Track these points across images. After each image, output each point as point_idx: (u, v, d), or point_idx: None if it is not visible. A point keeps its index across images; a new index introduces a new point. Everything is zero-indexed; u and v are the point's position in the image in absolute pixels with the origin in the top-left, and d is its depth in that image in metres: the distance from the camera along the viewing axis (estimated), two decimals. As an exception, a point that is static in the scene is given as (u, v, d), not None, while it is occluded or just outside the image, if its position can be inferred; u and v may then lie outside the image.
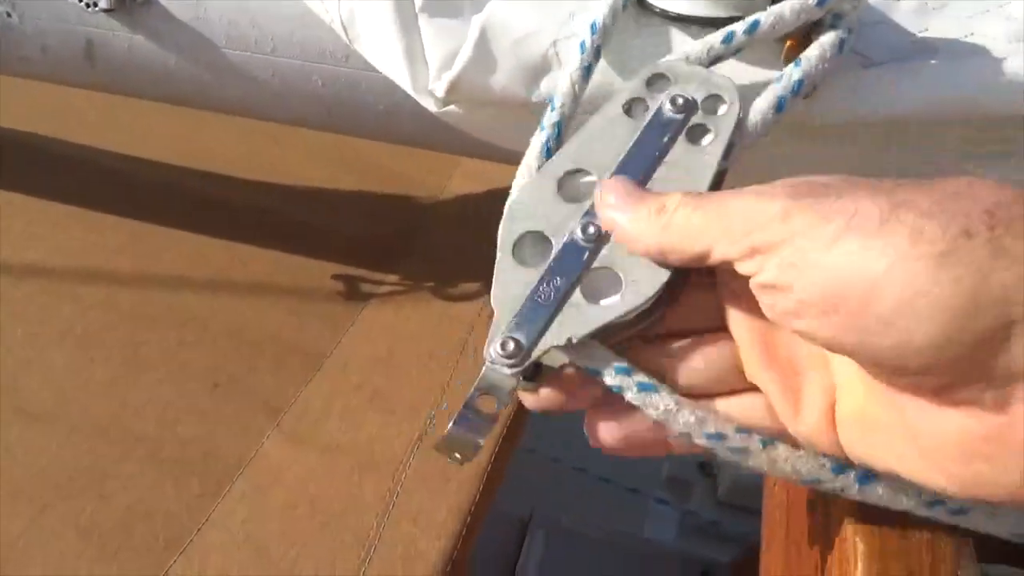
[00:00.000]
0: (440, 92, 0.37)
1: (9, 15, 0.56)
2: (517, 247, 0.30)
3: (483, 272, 0.73)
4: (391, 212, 0.82)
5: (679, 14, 0.35)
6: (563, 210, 0.30)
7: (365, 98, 0.52)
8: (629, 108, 0.32)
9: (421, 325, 0.66)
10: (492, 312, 0.55)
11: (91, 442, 0.57)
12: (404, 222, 0.80)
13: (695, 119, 0.31)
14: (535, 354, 0.28)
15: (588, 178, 0.31)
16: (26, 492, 0.54)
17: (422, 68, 0.38)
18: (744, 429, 0.28)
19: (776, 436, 0.28)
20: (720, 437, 0.28)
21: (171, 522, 0.52)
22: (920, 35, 0.37)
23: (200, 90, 0.57)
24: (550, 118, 0.33)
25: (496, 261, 0.30)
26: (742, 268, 0.25)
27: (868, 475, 0.28)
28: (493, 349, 0.28)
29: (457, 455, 0.29)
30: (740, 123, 0.31)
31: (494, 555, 1.57)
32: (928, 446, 0.24)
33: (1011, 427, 0.22)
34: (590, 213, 0.30)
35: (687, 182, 0.30)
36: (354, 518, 0.51)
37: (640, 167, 0.30)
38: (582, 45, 0.33)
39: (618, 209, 0.28)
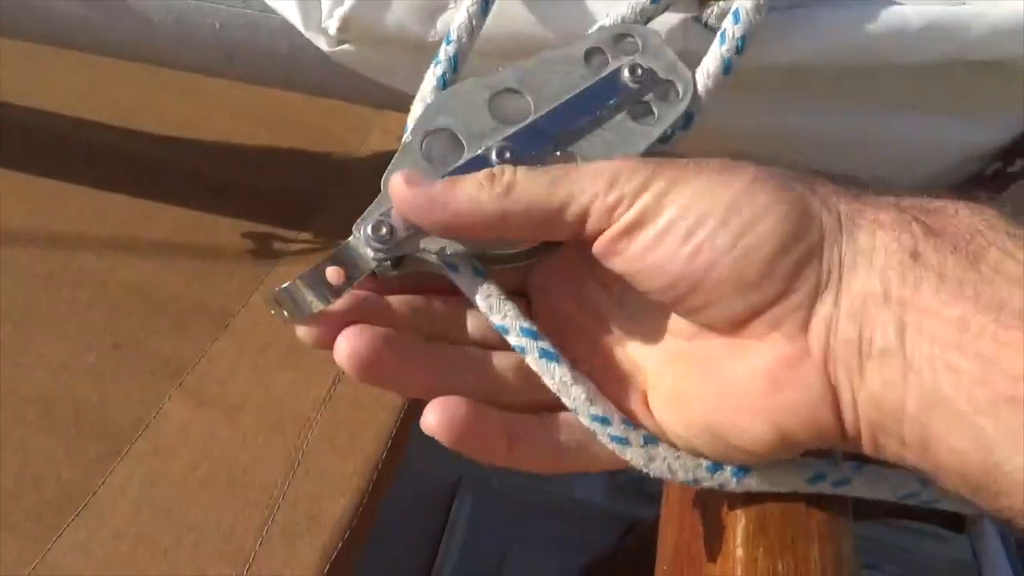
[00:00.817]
0: (332, 29, 0.36)
1: None
2: (428, 139, 0.28)
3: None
4: (305, 168, 0.79)
5: None
6: (486, 122, 0.29)
7: (267, 42, 0.50)
8: (588, 55, 0.31)
9: (333, 282, 0.64)
10: None
11: (-22, 406, 0.54)
12: (318, 178, 0.77)
13: (646, 97, 0.31)
14: (405, 248, 0.27)
15: (522, 101, 0.30)
16: (-95, 459, 0.51)
17: (314, 4, 0.36)
18: (629, 421, 0.28)
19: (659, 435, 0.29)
20: (605, 422, 0.27)
21: (65, 488, 0.50)
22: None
23: (87, 31, 0.54)
24: (446, 51, 0.32)
25: (401, 143, 0.29)
26: (602, 218, 0.26)
27: (743, 469, 0.28)
28: (365, 227, 0.29)
29: (285, 313, 0.28)
30: (685, 117, 0.31)
31: (422, 518, 1.58)
32: (740, 392, 0.26)
33: (809, 344, 0.25)
34: (511, 139, 0.29)
35: (614, 150, 0.29)
36: (259, 476, 0.50)
37: (577, 115, 0.30)
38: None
39: (431, 191, 0.27)
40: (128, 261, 0.65)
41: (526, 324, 0.28)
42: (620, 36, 0.32)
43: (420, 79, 0.39)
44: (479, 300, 0.29)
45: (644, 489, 1.62)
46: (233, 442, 0.52)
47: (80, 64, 0.82)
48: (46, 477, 0.50)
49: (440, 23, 0.35)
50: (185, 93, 0.83)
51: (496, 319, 0.29)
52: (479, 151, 0.29)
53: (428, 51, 0.36)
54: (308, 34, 0.36)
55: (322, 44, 0.37)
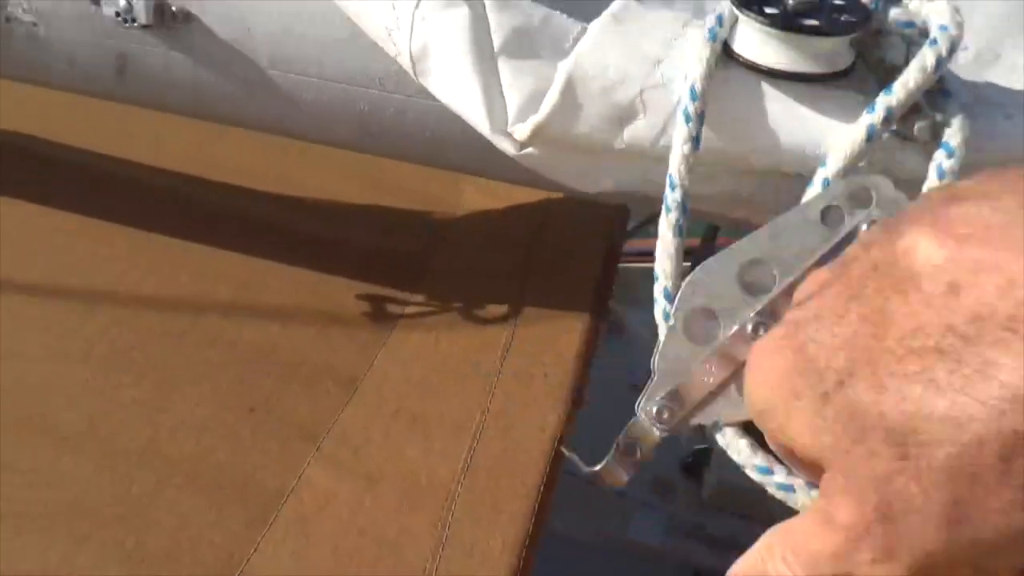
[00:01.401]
0: (522, 135, 0.38)
1: (35, 25, 0.55)
2: (688, 319, 0.30)
3: (508, 294, 0.73)
4: (408, 228, 0.81)
5: (768, 68, 0.35)
6: (738, 297, 0.30)
7: (411, 126, 0.52)
8: (826, 213, 0.31)
9: (452, 348, 0.66)
10: (523, 334, 0.58)
11: (126, 468, 0.56)
12: (422, 238, 0.79)
13: None
14: (681, 429, 0.30)
15: (766, 270, 0.31)
16: (63, 522, 0.53)
17: (500, 109, 0.38)
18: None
19: None
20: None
21: (218, 552, 0.51)
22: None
23: (237, 109, 0.56)
24: (674, 198, 0.33)
25: (667, 327, 0.31)
26: None
27: None
28: (648, 409, 0.30)
29: (603, 484, 0.32)
30: None
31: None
32: None
33: None
34: (763, 313, 0.30)
35: None
36: (408, 551, 0.51)
37: None
38: (686, 114, 0.33)
39: None
40: (253, 322, 0.67)
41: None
42: (856, 191, 0.32)
43: (598, 179, 0.41)
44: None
45: (703, 534, 1.60)
46: (377, 513, 0.53)
47: (192, 125, 0.85)
48: (200, 541, 0.52)
49: (627, 132, 0.37)
50: (295, 153, 0.85)
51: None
52: (735, 327, 0.30)
53: (611, 154, 0.38)
54: (493, 137, 0.38)
55: (507, 147, 0.38)
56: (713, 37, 0.35)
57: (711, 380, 0.29)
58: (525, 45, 0.38)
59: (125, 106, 0.66)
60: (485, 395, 0.61)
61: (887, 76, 0.36)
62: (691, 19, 0.37)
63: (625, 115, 0.36)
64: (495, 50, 0.38)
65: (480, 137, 0.45)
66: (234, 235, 0.75)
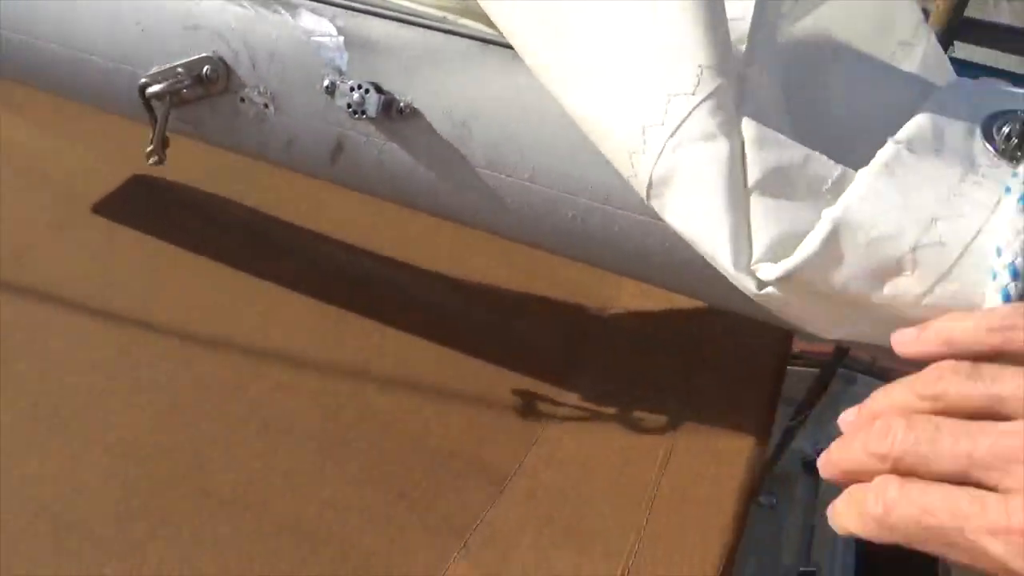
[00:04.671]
0: (769, 276, 0.36)
1: (266, 106, 0.57)
2: None
3: (667, 402, 0.70)
4: (563, 319, 0.80)
5: None
6: None
7: (616, 238, 0.52)
8: None
9: (608, 456, 0.63)
10: (683, 449, 0.55)
11: (278, 539, 0.56)
12: (575, 333, 0.78)
13: None
14: None
15: None
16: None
17: (745, 247, 0.37)
18: None
19: None
20: None
21: (361, 647, 0.50)
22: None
23: (442, 204, 0.57)
24: None
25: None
26: None
27: None
28: None
29: None
30: None
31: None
32: None
33: None
34: None
35: None
36: (556, 674, 0.48)
37: None
38: (1005, 294, 0.31)
39: None
40: (408, 401, 0.67)
41: None
42: None
43: (837, 327, 0.38)
44: None
45: None
46: (526, 627, 0.51)
47: (368, 203, 0.87)
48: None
49: (888, 287, 0.35)
50: (454, 230, 0.86)
51: None
52: None
53: (863, 307, 0.36)
54: (735, 273, 0.37)
55: (748, 286, 0.37)
56: None
57: None
58: (782, 184, 0.36)
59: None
60: (641, 513, 0.58)
61: None
62: (967, 173, 0.35)
63: (891, 270, 0.34)
64: (749, 186, 0.37)
65: (692, 263, 0.44)
66: (398, 311, 0.76)
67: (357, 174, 0.58)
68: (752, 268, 0.37)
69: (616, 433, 0.66)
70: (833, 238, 0.34)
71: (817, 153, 0.37)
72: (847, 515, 0.32)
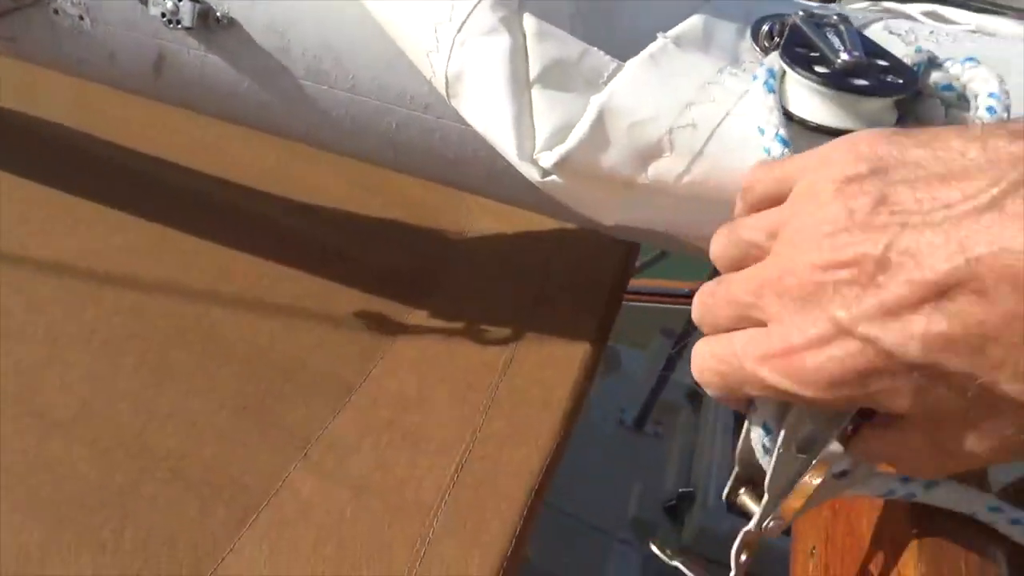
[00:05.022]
0: (547, 163, 0.38)
1: (81, 18, 0.55)
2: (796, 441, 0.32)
3: (511, 317, 0.73)
4: (417, 243, 0.82)
5: (816, 124, 0.36)
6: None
7: (437, 146, 0.53)
8: None
9: (451, 366, 0.66)
10: (522, 358, 0.58)
11: (113, 455, 0.56)
12: (430, 255, 0.80)
13: None
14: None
15: None
16: (44, 502, 0.52)
17: (528, 137, 0.39)
18: None
19: None
20: None
21: (195, 548, 0.51)
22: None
23: (266, 116, 0.57)
24: None
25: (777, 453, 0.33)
26: None
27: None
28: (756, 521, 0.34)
29: None
30: None
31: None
32: None
33: None
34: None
35: None
36: (384, 561, 0.51)
37: None
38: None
39: None
40: (256, 322, 0.68)
41: None
42: None
43: (614, 212, 0.41)
44: None
45: (680, 577, 1.59)
46: (358, 523, 0.53)
47: (209, 124, 0.86)
48: (176, 536, 0.52)
49: (652, 169, 0.37)
50: (305, 157, 0.86)
51: None
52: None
53: (632, 189, 0.39)
54: (519, 163, 0.39)
55: (532, 174, 0.39)
56: (771, 89, 0.35)
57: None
58: (561, 77, 0.39)
59: (160, 104, 0.66)
60: (479, 415, 0.61)
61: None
62: (727, 67, 0.38)
63: (651, 152, 0.37)
64: (531, 79, 0.39)
65: (502, 163, 0.45)
66: (248, 236, 0.76)
67: (182, 88, 0.57)
68: (535, 157, 0.39)
69: (461, 346, 0.68)
70: (599, 123, 0.37)
71: (594, 48, 0.39)
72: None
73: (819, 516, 0.46)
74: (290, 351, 0.66)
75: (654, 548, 0.38)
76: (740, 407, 0.34)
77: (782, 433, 0.32)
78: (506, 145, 0.39)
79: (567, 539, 1.76)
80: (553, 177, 0.39)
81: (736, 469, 0.35)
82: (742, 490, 0.34)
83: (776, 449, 0.32)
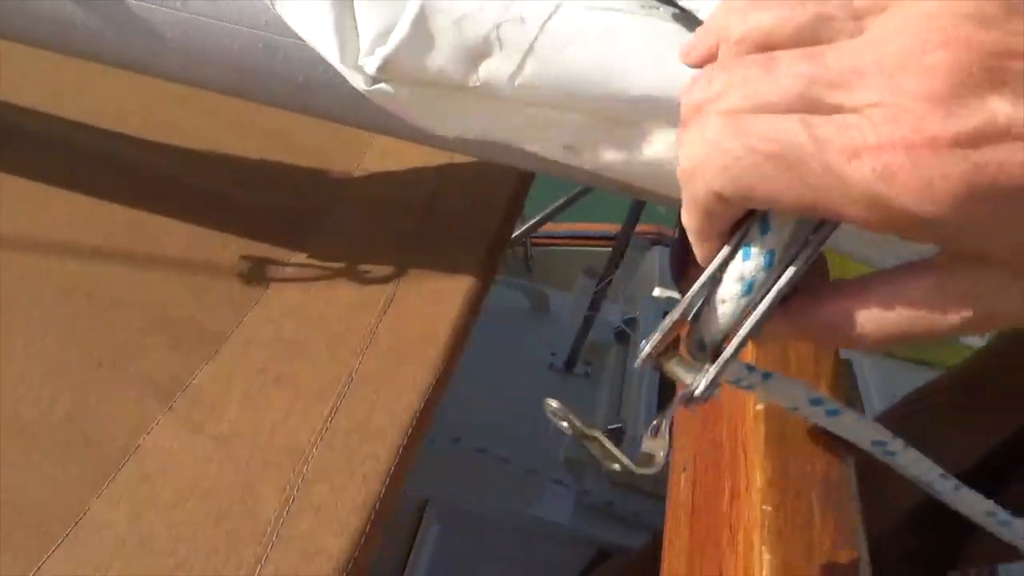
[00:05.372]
0: (372, 69, 0.35)
1: None
2: None
3: (395, 254, 0.70)
4: (301, 185, 0.77)
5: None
6: None
7: (283, 67, 0.49)
8: None
9: (329, 307, 0.63)
10: (403, 295, 0.55)
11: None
12: (314, 197, 0.76)
13: None
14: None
15: None
16: None
17: (352, 42, 0.36)
18: None
19: None
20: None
21: (47, 514, 0.48)
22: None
23: (99, 43, 0.52)
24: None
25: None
26: None
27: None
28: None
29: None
30: None
31: (388, 541, 1.56)
32: None
33: None
34: None
35: None
36: (252, 511, 0.48)
37: None
38: None
39: None
40: (119, 273, 0.63)
41: None
42: None
43: (453, 122, 0.38)
44: None
45: (612, 512, 1.62)
46: (225, 473, 0.50)
47: (70, 63, 0.80)
48: (26, 500, 0.48)
49: (483, 69, 0.34)
50: (178, 98, 0.80)
51: None
52: None
53: (465, 94, 0.36)
54: (343, 70, 0.35)
55: (358, 82, 0.36)
56: None
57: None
58: (380, -27, 0.35)
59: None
60: (355, 356, 0.58)
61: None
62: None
63: (480, 51, 0.34)
64: (348, -22, 0.35)
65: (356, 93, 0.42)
66: (114, 182, 0.71)
67: (22, 26, 0.52)
68: (360, 64, 0.36)
69: (340, 286, 0.65)
70: (421, 20, 0.34)
71: (417, -58, 0.36)
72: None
73: (691, 431, 0.45)
74: (155, 301, 0.62)
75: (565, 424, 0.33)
76: (723, 231, 0.28)
77: (788, 273, 0.27)
78: (329, 51, 0.36)
79: (500, 483, 1.76)
80: (381, 85, 0.35)
81: (674, 319, 0.29)
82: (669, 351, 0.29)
83: (772, 294, 0.27)
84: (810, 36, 0.25)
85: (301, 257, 0.68)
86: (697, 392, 0.27)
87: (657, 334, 0.28)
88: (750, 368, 0.29)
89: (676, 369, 0.28)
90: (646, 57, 0.33)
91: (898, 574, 1.12)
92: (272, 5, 0.38)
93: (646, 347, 0.28)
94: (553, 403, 0.31)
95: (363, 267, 0.66)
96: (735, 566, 0.36)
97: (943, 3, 0.23)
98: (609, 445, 0.30)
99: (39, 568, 0.45)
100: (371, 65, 0.35)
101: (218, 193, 0.73)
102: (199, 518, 0.48)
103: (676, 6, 0.35)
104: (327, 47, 0.35)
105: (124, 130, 0.76)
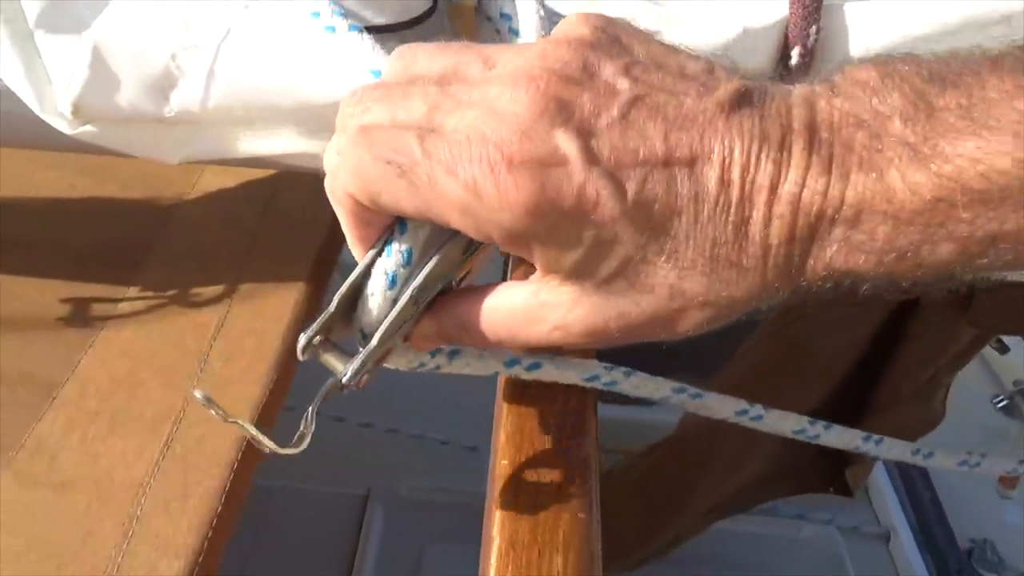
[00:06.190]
0: (68, 113, 0.36)
1: None
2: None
3: (227, 272, 0.71)
4: (130, 217, 0.77)
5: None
6: None
7: (11, 108, 0.49)
8: None
9: (162, 338, 0.63)
10: (236, 312, 0.56)
11: None
12: (144, 227, 0.75)
13: None
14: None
15: None
16: None
17: (47, 88, 0.36)
18: None
19: None
20: None
21: None
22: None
23: None
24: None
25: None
26: None
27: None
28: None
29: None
30: None
31: (335, 534, 1.57)
32: None
33: None
34: None
35: None
36: (91, 552, 0.49)
37: None
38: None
39: None
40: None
41: None
42: None
43: (163, 148, 0.39)
44: None
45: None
46: (64, 520, 0.51)
47: None
48: None
49: (173, 98, 0.35)
50: (8, 156, 0.79)
51: None
52: None
53: (168, 123, 0.37)
54: (46, 117, 0.36)
55: (63, 127, 0.36)
56: None
57: None
58: (64, 18, 0.36)
59: None
60: (190, 380, 0.59)
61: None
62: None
63: (164, 81, 0.35)
64: (31, 25, 0.36)
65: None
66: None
67: None
68: (60, 110, 0.36)
69: (174, 314, 0.66)
70: (98, 61, 0.35)
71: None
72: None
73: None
74: (-14, 361, 0.61)
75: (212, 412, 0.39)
76: (372, 233, 0.32)
77: (426, 270, 0.31)
78: (29, 100, 0.36)
79: (444, 466, 1.78)
80: (86, 127, 0.36)
81: (328, 312, 0.32)
82: (318, 339, 0.32)
83: (411, 288, 0.31)
84: (451, 75, 0.31)
85: (134, 291, 0.68)
86: (344, 379, 0.30)
87: (314, 325, 0.30)
88: (434, 353, 0.31)
89: (328, 358, 0.31)
90: (324, 67, 0.34)
91: (803, 477, 1.18)
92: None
93: (302, 338, 0.30)
94: (198, 393, 0.33)
95: (195, 291, 0.67)
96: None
97: (541, 61, 0.29)
98: (251, 429, 0.32)
99: None
100: (66, 110, 0.35)
101: (42, 238, 0.73)
102: (40, 567, 0.49)
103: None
104: (27, 96, 0.36)
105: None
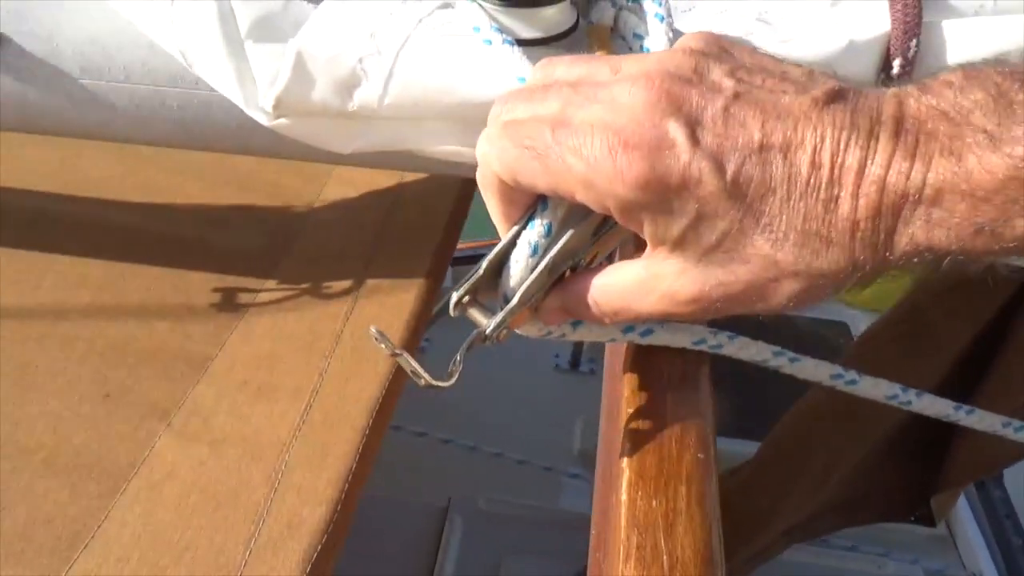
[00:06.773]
0: (269, 108, 0.43)
1: None
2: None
3: (354, 270, 0.78)
4: (267, 222, 0.86)
5: (511, 39, 0.41)
6: None
7: (218, 117, 0.57)
8: None
9: (299, 322, 0.71)
10: (363, 303, 0.64)
11: (-13, 459, 0.60)
12: (280, 230, 0.84)
13: None
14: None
15: None
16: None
17: (252, 87, 0.44)
18: None
19: None
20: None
21: (72, 523, 0.56)
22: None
23: (60, 120, 0.61)
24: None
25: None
26: None
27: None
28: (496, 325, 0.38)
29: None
30: None
31: (416, 543, 1.63)
32: None
33: None
34: None
35: None
36: (244, 497, 0.56)
37: None
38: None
39: None
40: (111, 320, 0.72)
41: None
42: None
43: (347, 140, 0.46)
44: None
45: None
46: (219, 471, 0.58)
47: (52, 143, 0.89)
48: (54, 515, 0.56)
49: (356, 96, 0.43)
50: (154, 162, 0.90)
51: None
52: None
53: (348, 117, 0.44)
54: (249, 112, 0.44)
55: (262, 119, 0.44)
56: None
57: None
58: (268, 30, 0.43)
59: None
60: (324, 360, 0.66)
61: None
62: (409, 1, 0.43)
63: (351, 81, 0.42)
64: (242, 36, 0.43)
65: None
66: (96, 243, 0.80)
67: None
68: (261, 105, 0.44)
69: (307, 304, 0.73)
70: (300, 63, 0.42)
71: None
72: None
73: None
74: (146, 339, 0.70)
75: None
76: (514, 211, 0.37)
77: (561, 241, 0.36)
78: (237, 99, 0.44)
79: (520, 484, 1.84)
80: (280, 120, 0.44)
81: (478, 275, 0.37)
82: (467, 298, 0.37)
83: (548, 256, 0.36)
84: (584, 79, 0.37)
85: (272, 284, 0.76)
86: (488, 331, 0.36)
87: (465, 285, 0.37)
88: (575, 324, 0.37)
89: (474, 313, 0.37)
90: (481, 72, 0.41)
91: (886, 504, 1.17)
92: (190, 68, 0.47)
93: (453, 295, 0.36)
94: (373, 329, 0.39)
95: (326, 284, 0.75)
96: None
97: (658, 65, 0.35)
98: (412, 362, 0.38)
99: (71, 567, 0.53)
100: (268, 104, 0.43)
101: (195, 238, 0.82)
102: (200, 509, 0.56)
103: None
104: (234, 96, 0.44)
105: (103, 196, 0.85)
